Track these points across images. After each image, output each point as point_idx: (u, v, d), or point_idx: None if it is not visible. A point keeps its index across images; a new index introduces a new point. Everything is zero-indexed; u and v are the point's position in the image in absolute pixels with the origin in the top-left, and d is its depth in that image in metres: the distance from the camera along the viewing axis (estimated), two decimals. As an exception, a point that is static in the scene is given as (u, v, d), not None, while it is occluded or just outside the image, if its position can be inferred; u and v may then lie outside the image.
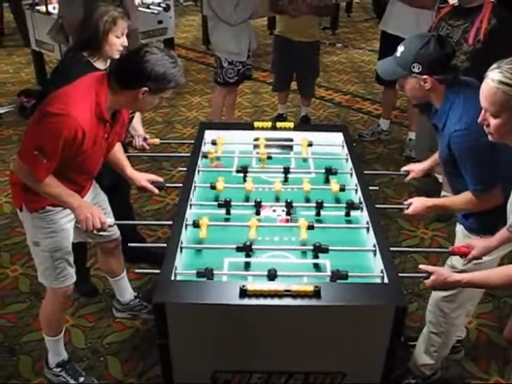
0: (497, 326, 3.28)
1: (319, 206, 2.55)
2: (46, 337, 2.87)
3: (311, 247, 2.27)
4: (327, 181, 2.81)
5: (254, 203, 2.56)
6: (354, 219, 2.57)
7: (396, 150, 5.42)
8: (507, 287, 2.00)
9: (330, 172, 2.84)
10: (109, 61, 2.88)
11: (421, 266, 2.17)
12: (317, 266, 2.27)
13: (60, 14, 4.65)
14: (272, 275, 2.10)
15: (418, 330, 2.94)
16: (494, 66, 1.80)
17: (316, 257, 2.28)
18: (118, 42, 2.83)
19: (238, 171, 2.85)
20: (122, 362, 3.05)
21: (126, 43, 2.87)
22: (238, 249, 2.25)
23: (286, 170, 2.85)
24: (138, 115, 3.28)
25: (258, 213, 2.56)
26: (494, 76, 1.77)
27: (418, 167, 2.89)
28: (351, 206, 2.55)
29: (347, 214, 2.57)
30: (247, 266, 2.27)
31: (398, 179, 4.56)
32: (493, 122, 1.82)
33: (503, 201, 2.09)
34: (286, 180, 2.83)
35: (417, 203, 2.54)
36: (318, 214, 2.57)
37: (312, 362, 2.11)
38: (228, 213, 2.56)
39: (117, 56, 2.82)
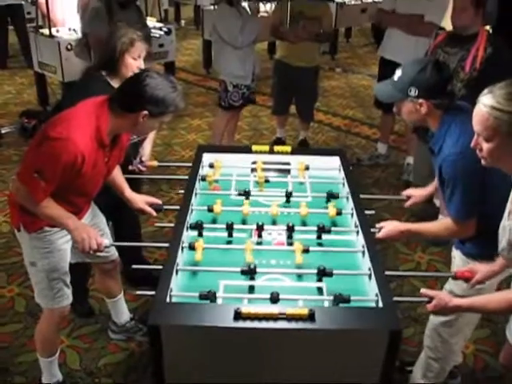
0: (494, 352, 3.26)
1: (321, 230, 2.57)
2: (41, 358, 2.87)
3: (309, 271, 2.28)
4: (328, 201, 2.84)
5: (250, 226, 2.58)
6: (350, 243, 2.58)
7: (394, 175, 5.45)
8: (506, 312, 2.01)
9: (331, 196, 2.86)
10: None
11: (422, 291, 2.17)
12: (314, 290, 2.28)
13: (85, 30, 4.74)
14: (274, 298, 2.10)
15: (415, 355, 2.93)
16: (486, 91, 1.83)
17: (320, 280, 2.29)
18: (134, 64, 2.87)
19: (239, 194, 2.86)
20: (117, 383, 3.03)
21: (143, 66, 2.91)
22: (243, 272, 2.26)
23: (288, 194, 2.86)
24: (150, 137, 3.32)
25: (256, 235, 2.57)
26: (486, 101, 1.80)
27: (419, 193, 2.90)
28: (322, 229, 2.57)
29: (318, 237, 2.58)
30: (243, 288, 2.27)
31: (395, 203, 4.57)
32: (485, 146, 1.84)
33: (496, 227, 2.10)
34: (288, 202, 2.84)
35: (389, 227, 2.55)
36: (319, 237, 2.58)
37: (307, 386, 2.11)
38: (230, 235, 2.57)
39: None
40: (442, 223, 2.47)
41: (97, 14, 4.57)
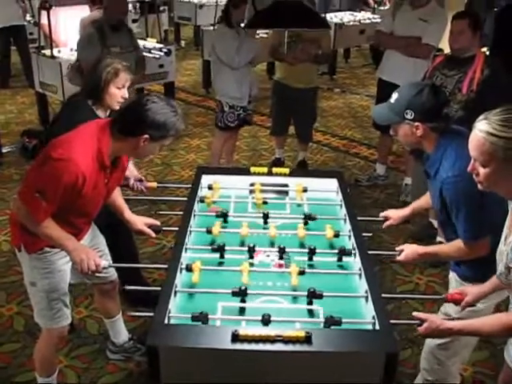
0: (493, 374, 3.25)
1: (312, 252, 2.58)
2: (39, 377, 2.88)
3: (304, 293, 2.28)
4: (306, 224, 2.84)
5: (247, 248, 2.60)
6: (347, 265, 2.60)
7: (392, 195, 5.46)
8: (499, 335, 2.02)
9: (309, 217, 2.87)
10: (109, 111, 2.97)
11: (414, 314, 2.19)
12: (309, 312, 2.29)
13: (78, 57, 4.80)
14: (266, 320, 2.12)
15: (412, 377, 2.94)
16: (482, 117, 1.85)
17: (310, 303, 2.29)
18: (118, 94, 2.94)
19: (217, 216, 2.89)
20: (115, 404, 3.05)
21: (127, 95, 2.97)
22: (234, 293, 2.27)
23: (309, 217, 2.87)
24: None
25: (251, 257, 2.59)
26: (481, 127, 1.82)
27: (397, 214, 2.93)
28: (344, 252, 2.58)
29: (339, 259, 2.60)
30: (241, 310, 2.28)
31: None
32: (482, 171, 1.86)
33: (490, 250, 2.12)
34: (306, 224, 2.85)
35: (408, 250, 2.58)
36: (310, 258, 2.59)
37: (303, 408, 2.11)
38: (222, 257, 2.59)
39: (117, 107, 2.92)
40: (456, 244, 2.46)
41: (89, 40, 4.65)
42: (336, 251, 2.61)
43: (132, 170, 3.34)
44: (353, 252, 2.59)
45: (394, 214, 2.93)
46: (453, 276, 2.65)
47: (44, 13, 6.12)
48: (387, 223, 2.94)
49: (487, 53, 4.17)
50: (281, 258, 2.58)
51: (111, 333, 3.32)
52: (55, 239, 2.47)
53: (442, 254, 2.57)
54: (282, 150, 6.00)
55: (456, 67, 3.87)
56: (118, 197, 2.86)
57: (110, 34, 4.69)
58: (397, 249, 2.63)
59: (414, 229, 4.67)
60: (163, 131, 2.37)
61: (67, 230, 2.50)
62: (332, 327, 2.11)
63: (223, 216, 2.88)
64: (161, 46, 6.68)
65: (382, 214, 2.97)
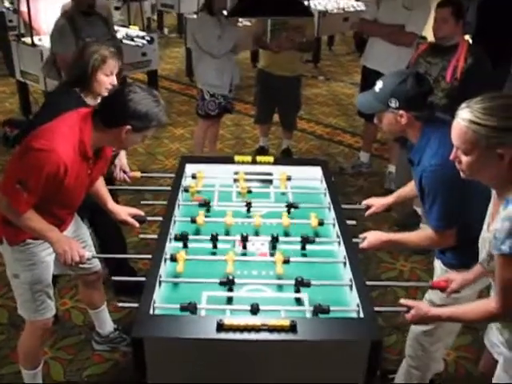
0: (475, 359, 3.29)
1: (304, 241, 2.59)
2: (24, 370, 2.86)
3: (290, 281, 2.29)
4: (289, 213, 2.83)
5: (233, 237, 2.60)
6: (332, 253, 2.60)
7: (376, 183, 5.49)
8: (484, 321, 2.05)
9: (291, 206, 2.87)
10: (99, 98, 2.93)
11: (401, 301, 2.21)
12: (296, 300, 2.30)
13: (53, 50, 4.70)
14: (255, 309, 2.12)
15: (398, 363, 2.96)
16: (464, 105, 1.86)
17: (297, 291, 2.30)
18: (106, 81, 2.89)
19: (200, 205, 2.88)
20: (101, 395, 3.04)
21: (115, 82, 2.93)
22: (222, 283, 2.27)
23: (292, 206, 2.86)
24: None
25: (239, 246, 2.59)
26: (464, 115, 1.83)
27: (380, 202, 2.95)
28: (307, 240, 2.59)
29: (303, 248, 2.61)
30: (226, 299, 2.28)
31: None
32: (464, 159, 1.87)
33: (475, 238, 2.14)
34: (289, 213, 2.84)
35: (371, 237, 2.59)
36: (303, 247, 2.60)
37: (289, 396, 2.12)
38: (215, 247, 2.59)
39: (105, 93, 2.87)
40: (423, 233, 2.51)
41: (61, 33, 4.52)
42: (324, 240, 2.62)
43: (122, 157, 3.32)
44: (337, 240, 2.60)
45: (377, 202, 2.94)
46: (438, 264, 2.66)
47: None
48: (370, 211, 2.95)
49: (470, 41, 4.18)
50: (274, 247, 2.58)
51: (96, 323, 3.31)
52: (38, 231, 2.44)
53: (408, 241, 2.59)
54: (266, 138, 6.00)
55: (440, 55, 3.89)
56: (101, 187, 2.83)
57: (84, 23, 4.53)
58: (360, 236, 2.63)
59: (397, 217, 4.70)
60: (145, 122, 2.35)
61: (50, 221, 2.47)
62: (319, 315, 2.12)
63: (206, 205, 2.88)
64: (143, 33, 6.62)
65: (364, 202, 2.99)
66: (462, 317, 2.09)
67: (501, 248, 1.78)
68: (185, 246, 2.58)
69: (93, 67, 2.86)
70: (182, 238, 2.58)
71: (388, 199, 2.95)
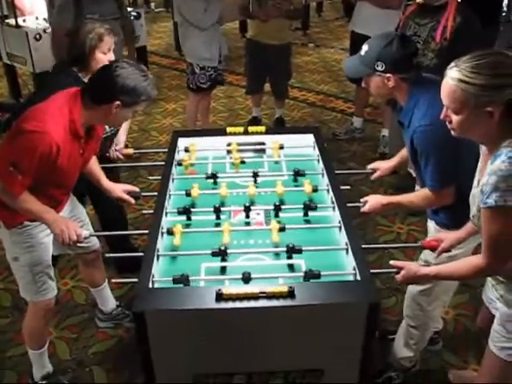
0: (473, 316, 3.33)
1: (307, 207, 2.61)
2: (30, 350, 2.89)
3: (283, 249, 2.32)
4: (296, 181, 2.87)
5: (228, 208, 2.62)
6: (327, 219, 2.62)
7: (370, 148, 5.49)
8: (473, 277, 2.07)
9: (298, 174, 2.90)
10: None
11: (391, 262, 2.23)
12: (292, 267, 2.32)
13: (50, 20, 4.60)
14: (246, 278, 2.15)
15: (397, 324, 2.99)
16: (453, 64, 1.86)
17: (290, 258, 2.33)
18: (104, 59, 2.87)
19: (207, 177, 2.90)
20: (108, 371, 3.08)
21: (113, 59, 2.91)
22: (214, 254, 2.29)
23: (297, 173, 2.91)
24: (124, 126, 3.33)
25: (234, 217, 2.61)
26: (452, 74, 1.83)
27: (385, 165, 2.95)
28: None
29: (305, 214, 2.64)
30: (223, 270, 2.31)
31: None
32: (454, 118, 1.88)
33: (466, 196, 2.15)
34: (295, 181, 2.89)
35: (372, 201, 2.60)
36: (305, 214, 2.63)
37: (290, 361, 2.16)
38: (218, 218, 2.62)
39: None
40: (421, 193, 2.50)
41: (62, 6, 4.43)
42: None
43: (120, 134, 3.33)
44: (331, 205, 2.61)
45: (382, 165, 2.95)
46: (431, 224, 2.68)
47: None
48: (375, 175, 2.95)
49: (459, 0, 4.14)
50: (276, 215, 2.61)
51: (99, 301, 3.34)
52: (34, 212, 2.46)
53: (408, 203, 2.59)
54: (258, 108, 5.97)
55: (429, 15, 3.84)
56: (94, 165, 2.83)
57: (90, 1, 4.46)
58: (361, 200, 2.64)
59: (392, 180, 4.71)
60: (134, 97, 2.35)
61: (46, 202, 2.48)
62: (311, 280, 2.14)
63: (213, 177, 2.90)
64: (130, 9, 6.53)
65: (369, 166, 2.99)
66: (451, 273, 2.11)
67: (487, 201, 1.80)
68: (188, 219, 2.60)
69: (90, 47, 2.85)
70: (185, 211, 2.60)
71: (392, 161, 2.94)
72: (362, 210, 2.62)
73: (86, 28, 2.89)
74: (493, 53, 1.84)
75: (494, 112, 1.79)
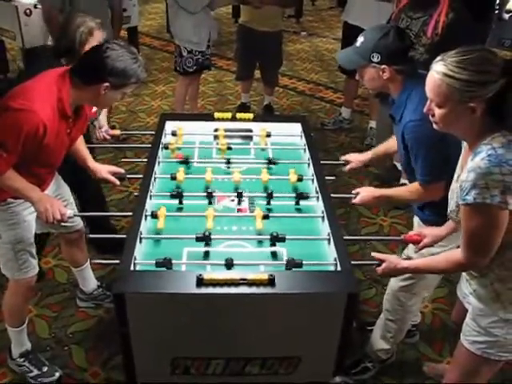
0: (451, 310, 3.35)
1: (299, 197, 2.63)
2: (9, 328, 2.88)
3: (267, 236, 2.33)
4: (268, 168, 2.88)
5: (209, 193, 2.63)
6: (311, 208, 2.64)
7: (358, 139, 5.51)
8: (453, 271, 2.11)
9: (270, 162, 2.92)
10: None
11: (373, 254, 2.25)
12: (274, 255, 2.34)
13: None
14: (229, 264, 2.16)
15: (377, 315, 3.02)
16: (439, 58, 1.87)
17: (273, 245, 2.34)
18: None
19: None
20: (86, 350, 3.09)
21: None
22: (198, 239, 2.30)
23: (271, 161, 2.93)
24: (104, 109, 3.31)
25: (218, 202, 2.62)
26: (438, 68, 1.85)
27: (358, 158, 2.97)
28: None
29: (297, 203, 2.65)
30: (206, 255, 2.32)
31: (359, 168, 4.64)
32: (438, 111, 1.90)
33: (445, 194, 2.17)
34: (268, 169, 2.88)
35: (364, 193, 2.62)
36: (297, 203, 2.64)
37: (268, 348, 2.18)
38: (210, 203, 2.62)
39: None
40: (413, 187, 2.51)
41: None
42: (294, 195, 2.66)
43: (103, 123, 3.30)
44: (316, 195, 2.63)
45: (355, 158, 2.97)
46: (416, 220, 2.71)
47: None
48: (348, 167, 2.98)
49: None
50: (268, 202, 2.63)
51: (80, 281, 3.35)
52: (19, 190, 2.44)
53: (399, 196, 2.61)
54: (247, 94, 5.96)
55: (421, 9, 3.84)
56: (80, 145, 2.82)
57: None
58: (353, 191, 2.66)
59: (378, 171, 4.74)
60: (123, 79, 2.34)
61: (31, 180, 2.47)
62: (293, 269, 2.16)
63: (186, 162, 2.91)
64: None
65: (342, 158, 3.01)
66: (430, 268, 2.14)
67: (466, 198, 1.82)
68: (180, 203, 2.62)
69: (80, 41, 2.83)
70: (178, 195, 2.61)
71: (366, 155, 2.97)
72: (354, 201, 2.63)
73: (75, 22, 2.86)
74: (479, 49, 1.86)
75: (476, 108, 1.81)
